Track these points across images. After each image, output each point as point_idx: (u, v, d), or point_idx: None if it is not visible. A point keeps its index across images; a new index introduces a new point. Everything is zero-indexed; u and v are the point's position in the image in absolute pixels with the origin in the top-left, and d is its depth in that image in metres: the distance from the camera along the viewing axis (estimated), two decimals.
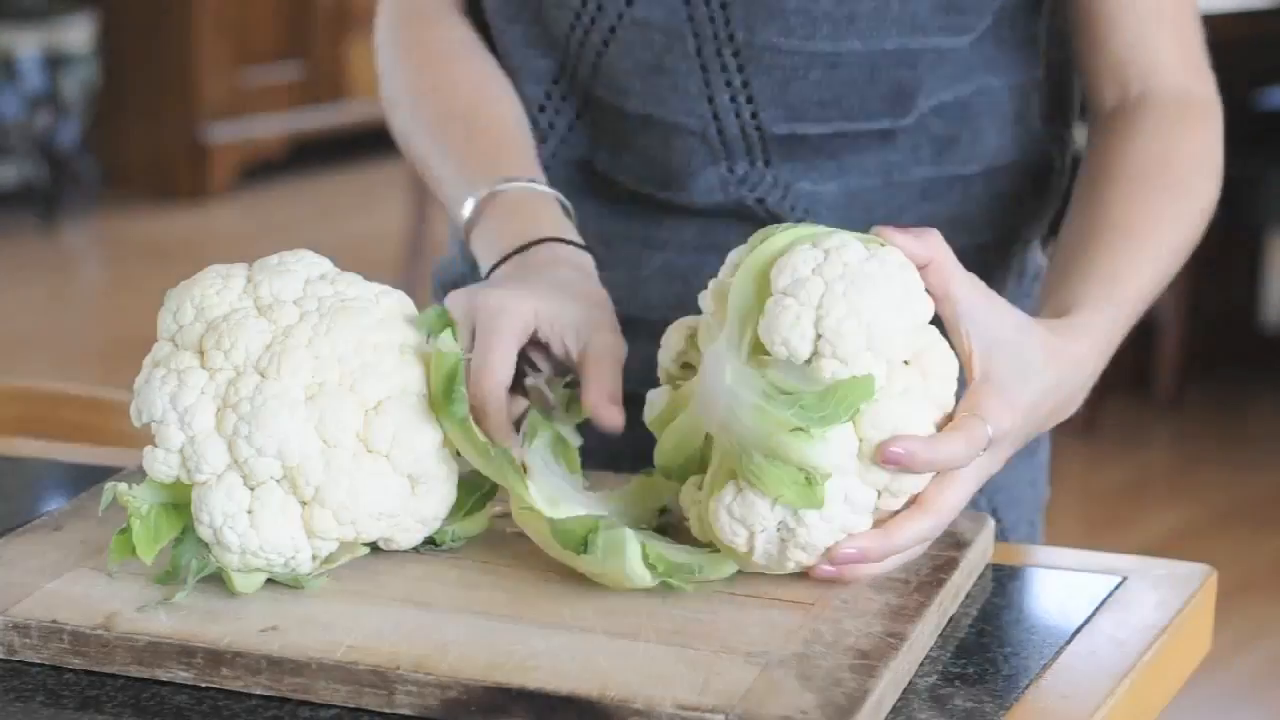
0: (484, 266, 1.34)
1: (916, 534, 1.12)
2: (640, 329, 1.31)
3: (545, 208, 1.36)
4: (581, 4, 1.39)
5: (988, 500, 1.48)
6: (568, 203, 1.38)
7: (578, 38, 1.40)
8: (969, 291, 1.15)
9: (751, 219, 1.39)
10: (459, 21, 1.47)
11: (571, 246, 1.33)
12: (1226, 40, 4.34)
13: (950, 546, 1.20)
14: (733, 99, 1.38)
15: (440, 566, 1.17)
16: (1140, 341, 4.56)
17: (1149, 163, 1.36)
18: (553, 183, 1.40)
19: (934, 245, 1.14)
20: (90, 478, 1.33)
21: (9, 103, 5.59)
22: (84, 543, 1.19)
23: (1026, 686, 1.08)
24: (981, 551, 1.23)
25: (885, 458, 1.09)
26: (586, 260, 1.33)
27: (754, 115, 1.38)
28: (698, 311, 1.18)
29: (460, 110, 1.41)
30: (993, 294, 1.17)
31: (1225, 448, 4.41)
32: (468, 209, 1.36)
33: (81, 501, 1.25)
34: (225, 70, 6.00)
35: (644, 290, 1.43)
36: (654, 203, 1.43)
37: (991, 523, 1.25)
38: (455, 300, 1.24)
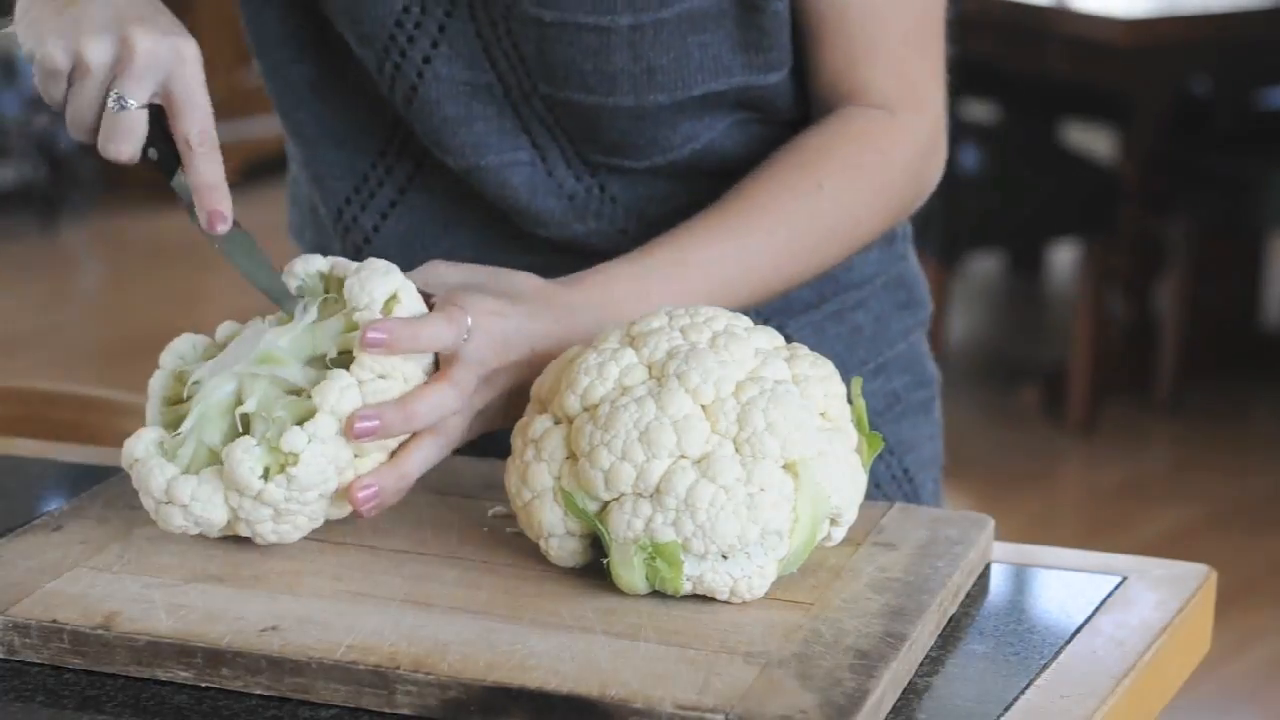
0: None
1: (424, 459, 1.18)
2: None
3: None
4: (381, 62, 1.35)
5: (899, 462, 1.50)
6: None
7: (390, 94, 1.37)
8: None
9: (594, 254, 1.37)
10: None
11: None
12: (1226, 40, 4.36)
13: (950, 546, 1.20)
14: (550, 134, 1.37)
15: (440, 566, 1.17)
16: (1140, 342, 4.57)
17: (796, 151, 1.35)
18: (391, 240, 1.43)
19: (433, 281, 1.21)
20: (90, 478, 1.33)
21: (9, 103, 5.59)
22: (84, 543, 1.19)
23: (1026, 686, 1.08)
24: (981, 551, 1.23)
25: (366, 341, 1.15)
26: None
27: (573, 146, 1.37)
28: None
29: None
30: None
31: (1224, 449, 4.41)
32: None
33: (81, 501, 1.25)
34: (225, 70, 6.01)
35: None
36: (504, 238, 1.42)
37: (991, 523, 1.25)
38: (101, 44, 1.20)
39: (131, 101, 1.20)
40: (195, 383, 1.19)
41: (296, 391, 1.17)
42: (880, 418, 1.48)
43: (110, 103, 1.20)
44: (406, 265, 1.24)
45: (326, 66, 1.41)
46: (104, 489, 1.27)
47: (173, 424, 1.19)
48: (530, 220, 1.39)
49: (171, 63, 1.20)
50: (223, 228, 1.22)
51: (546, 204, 1.38)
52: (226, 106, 6.95)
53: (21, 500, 1.37)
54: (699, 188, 1.38)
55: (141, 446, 1.17)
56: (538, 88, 1.35)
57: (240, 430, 1.17)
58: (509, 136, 1.37)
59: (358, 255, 1.42)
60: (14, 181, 5.74)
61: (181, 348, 1.23)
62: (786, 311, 1.44)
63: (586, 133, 1.36)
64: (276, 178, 7.13)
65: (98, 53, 1.20)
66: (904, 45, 1.38)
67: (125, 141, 1.22)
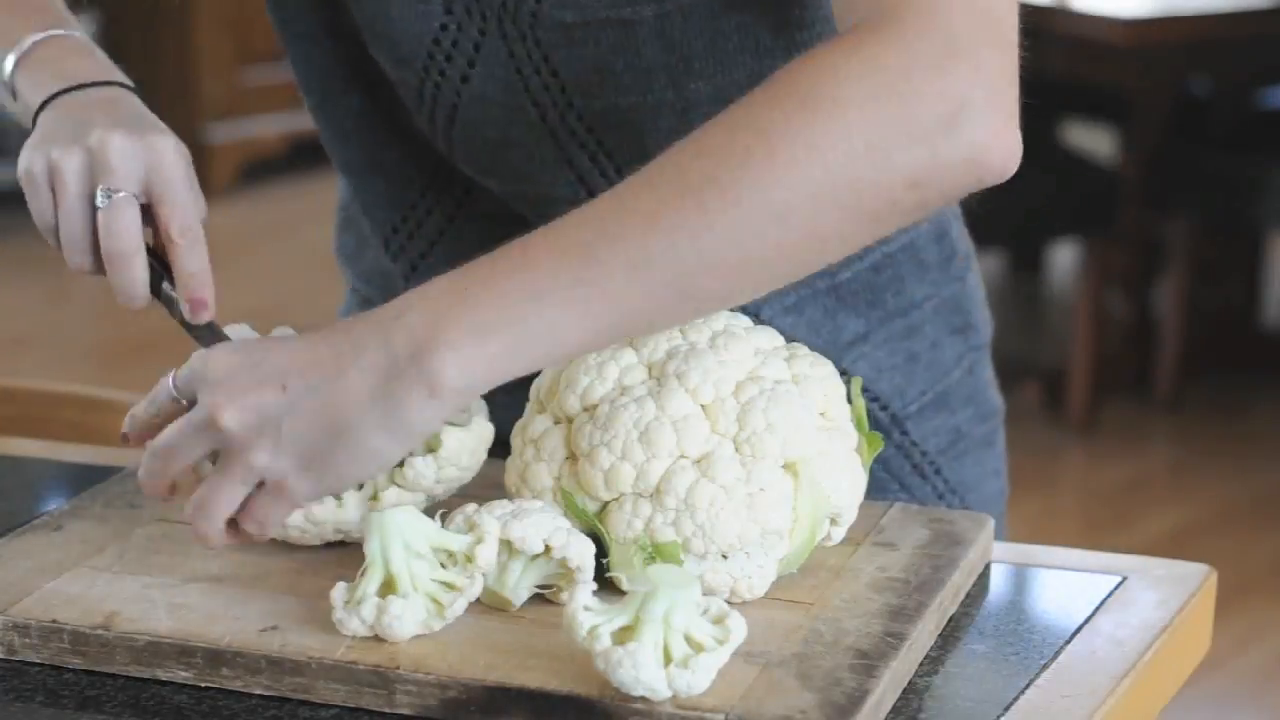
0: (31, 108, 1.26)
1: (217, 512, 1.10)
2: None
3: (89, 52, 1.28)
4: (421, 84, 1.32)
5: (960, 502, 1.46)
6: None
7: (427, 121, 1.34)
8: None
9: None
10: None
11: (125, 89, 1.26)
12: (1226, 40, 4.36)
13: (950, 546, 1.20)
14: (593, 159, 1.32)
15: None
16: (1140, 341, 4.56)
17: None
18: (441, 265, 1.35)
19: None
20: (90, 478, 1.33)
21: None
22: (84, 543, 1.19)
23: (1026, 686, 1.08)
24: (981, 551, 1.23)
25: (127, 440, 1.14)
26: (138, 102, 1.26)
27: (618, 171, 1.30)
28: None
29: None
30: None
31: (1225, 448, 4.41)
32: (8, 64, 1.27)
33: (81, 501, 1.25)
34: (225, 70, 6.00)
35: None
36: None
37: (991, 522, 1.25)
38: (68, 152, 1.19)
39: (119, 192, 1.19)
40: None
41: None
42: (942, 456, 1.44)
43: (99, 200, 1.19)
44: None
45: (372, 99, 1.39)
46: (104, 489, 1.27)
47: None
48: None
49: (149, 158, 1.20)
50: (205, 315, 1.20)
51: None
52: (227, 106, 6.92)
53: (21, 500, 1.37)
54: None
55: None
56: (573, 103, 1.29)
57: None
58: (549, 168, 1.32)
59: (411, 276, 1.41)
60: (14, 181, 5.73)
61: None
62: (836, 344, 1.37)
63: (630, 147, 1.30)
64: (276, 178, 7.05)
65: (71, 156, 1.19)
66: None
67: (124, 238, 1.18)
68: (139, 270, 1.19)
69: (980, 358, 1.48)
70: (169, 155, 1.20)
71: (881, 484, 1.40)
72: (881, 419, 1.41)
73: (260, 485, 1.09)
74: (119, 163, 1.19)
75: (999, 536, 1.44)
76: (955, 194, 1.10)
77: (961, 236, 1.47)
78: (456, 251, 1.37)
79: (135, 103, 1.25)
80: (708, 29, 1.25)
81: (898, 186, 1.07)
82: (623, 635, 1.01)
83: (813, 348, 1.22)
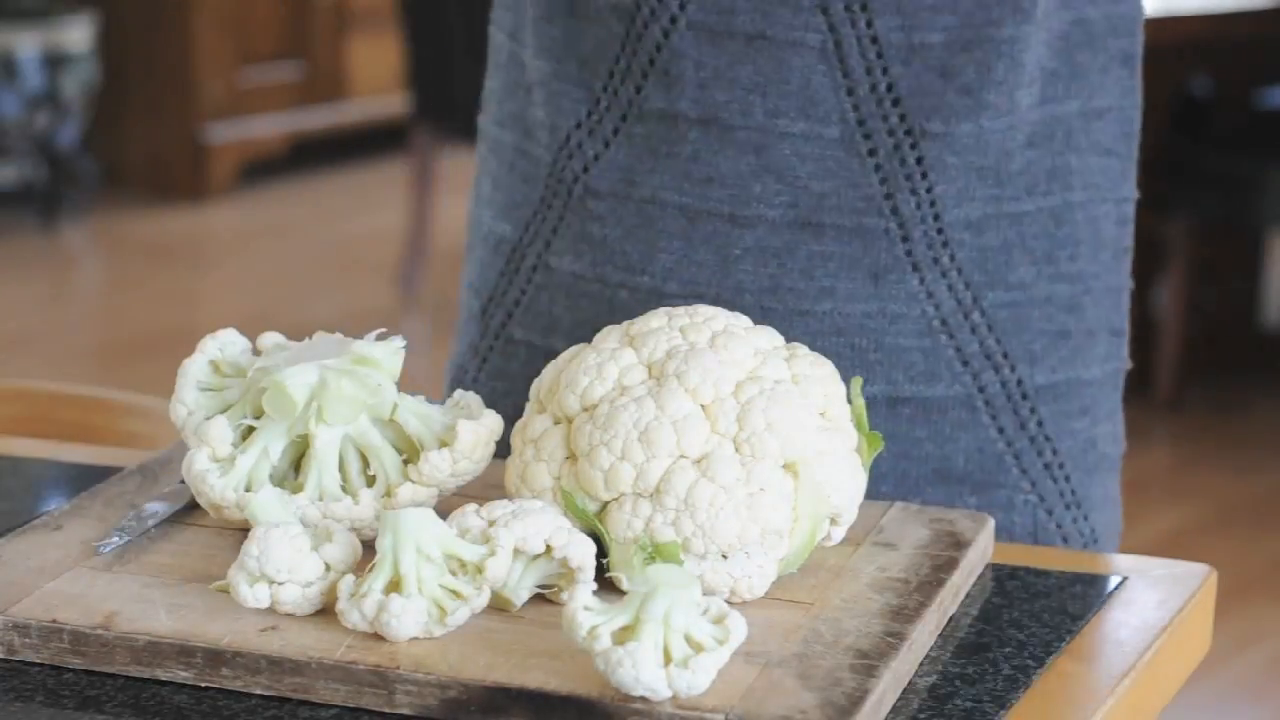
0: None
1: None
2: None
3: None
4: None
5: (1085, 519, 1.44)
6: None
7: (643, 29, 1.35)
8: None
9: (858, 187, 1.34)
10: None
11: None
12: (1226, 40, 4.36)
13: (950, 546, 1.20)
14: (847, 7, 1.32)
15: None
16: (1140, 341, 4.56)
17: None
18: (608, 170, 1.39)
19: None
20: (90, 478, 1.33)
21: (9, 102, 5.58)
22: (84, 543, 1.19)
23: (1026, 686, 1.08)
24: (981, 551, 1.23)
25: None
26: None
27: (869, 24, 1.32)
28: (792, 297, 1.24)
29: None
30: None
31: (1225, 448, 4.41)
32: None
33: (81, 501, 1.25)
34: (225, 70, 6.00)
35: (735, 272, 1.36)
36: (744, 173, 1.36)
37: (991, 522, 1.25)
38: None
39: None
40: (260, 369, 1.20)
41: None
42: (1073, 462, 1.42)
43: None
44: (618, 196, 1.33)
45: None
46: (104, 489, 1.27)
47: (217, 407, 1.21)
48: (795, 110, 1.35)
49: None
50: None
51: (825, 97, 1.34)
52: (227, 106, 6.93)
53: (21, 500, 1.37)
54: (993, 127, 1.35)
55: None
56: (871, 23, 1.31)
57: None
58: (801, 9, 1.32)
59: (574, 184, 1.40)
60: (14, 181, 5.74)
61: (226, 338, 1.23)
62: (1001, 282, 1.37)
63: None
64: (276, 178, 7.05)
65: None
66: None
67: None
68: None
69: (1119, 379, 1.46)
70: None
71: (1013, 482, 1.39)
72: (1010, 389, 1.39)
73: None
74: None
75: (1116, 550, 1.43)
76: None
77: (1131, 240, 1.46)
78: (625, 155, 1.38)
79: None
80: None
81: None
82: (623, 635, 1.01)
83: (974, 281, 1.31)
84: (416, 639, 1.07)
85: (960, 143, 1.33)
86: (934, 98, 1.32)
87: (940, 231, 1.35)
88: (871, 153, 1.33)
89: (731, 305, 1.33)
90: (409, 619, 1.06)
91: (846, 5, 1.32)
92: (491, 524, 1.10)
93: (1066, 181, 1.38)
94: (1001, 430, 1.39)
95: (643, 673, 0.99)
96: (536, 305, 1.43)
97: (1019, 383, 1.39)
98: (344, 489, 1.18)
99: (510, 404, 1.32)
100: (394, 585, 1.07)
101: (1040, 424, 1.40)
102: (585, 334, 1.29)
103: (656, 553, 1.10)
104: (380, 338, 1.21)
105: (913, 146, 1.33)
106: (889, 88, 1.33)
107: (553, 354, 1.31)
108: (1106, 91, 1.40)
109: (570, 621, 1.02)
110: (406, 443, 1.20)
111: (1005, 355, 1.38)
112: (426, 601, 1.07)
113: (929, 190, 1.33)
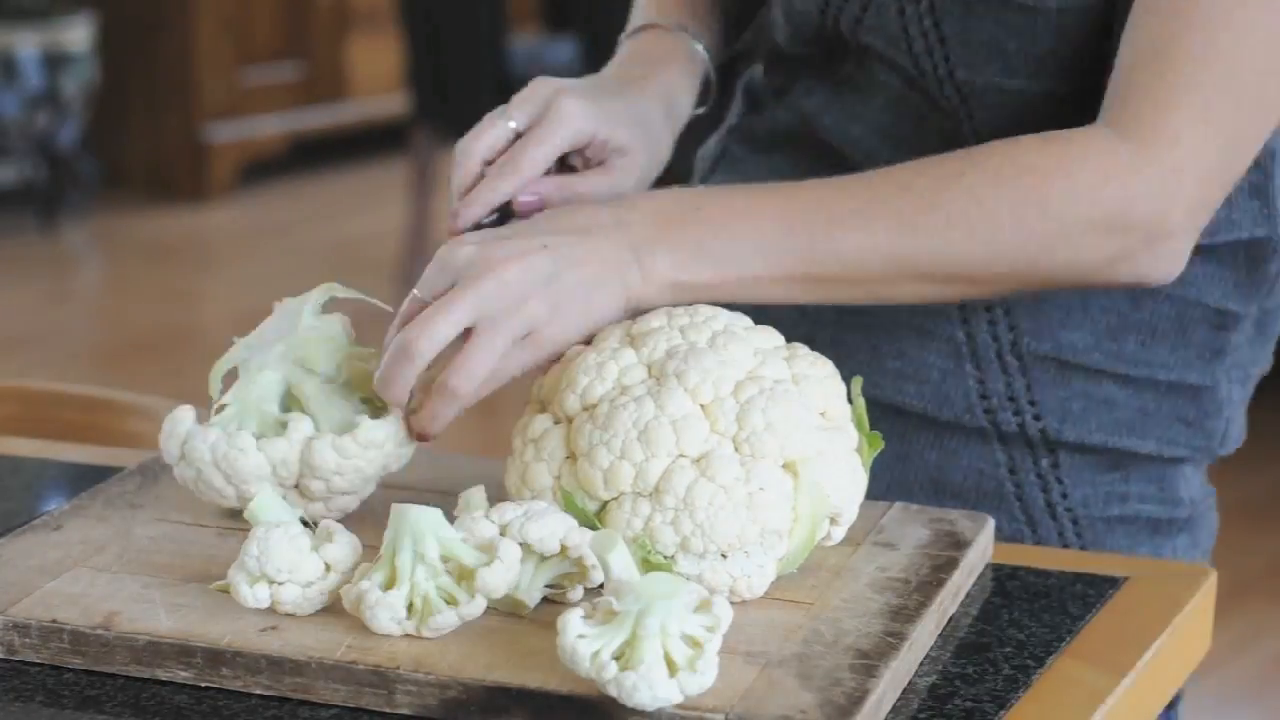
0: None
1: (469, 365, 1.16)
2: None
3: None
4: (821, 15, 1.37)
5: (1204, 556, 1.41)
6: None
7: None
8: None
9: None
10: None
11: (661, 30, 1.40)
12: None
13: (950, 546, 1.20)
14: (955, 129, 1.33)
15: None
16: None
17: (984, 150, 1.24)
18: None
19: None
20: (90, 478, 1.33)
21: (9, 102, 5.58)
22: (84, 543, 1.19)
23: (1026, 686, 1.08)
24: (981, 551, 1.23)
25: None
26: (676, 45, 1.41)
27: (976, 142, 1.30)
28: None
29: None
30: None
31: None
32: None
33: (81, 501, 1.25)
34: (225, 70, 6.00)
35: None
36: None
37: (991, 522, 1.25)
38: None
39: (510, 121, 1.29)
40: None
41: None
42: (1085, 510, 1.38)
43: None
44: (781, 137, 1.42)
45: None
46: (104, 489, 1.27)
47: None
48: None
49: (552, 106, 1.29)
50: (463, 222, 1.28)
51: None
52: (227, 106, 6.94)
53: (21, 500, 1.37)
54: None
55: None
56: (954, 73, 1.31)
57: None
58: (914, 126, 1.35)
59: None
60: (14, 181, 5.74)
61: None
62: (1054, 342, 1.35)
63: (996, 126, 1.31)
64: (276, 178, 7.08)
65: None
66: (1188, 65, 1.20)
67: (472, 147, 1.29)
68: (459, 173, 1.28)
69: (1202, 460, 1.43)
70: (567, 108, 1.28)
71: (1008, 509, 1.37)
72: (1031, 435, 1.37)
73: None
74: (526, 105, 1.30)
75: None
76: (1103, 285, 1.25)
77: (1242, 337, 1.41)
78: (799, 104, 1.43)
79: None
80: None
81: (1078, 271, 1.23)
82: (623, 652, 1.01)
83: (1020, 326, 1.34)
84: (416, 639, 1.07)
85: None
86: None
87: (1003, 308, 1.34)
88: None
89: None
90: (384, 615, 1.06)
91: (955, 126, 1.34)
92: (504, 529, 1.09)
93: None
94: (1013, 470, 1.37)
95: (658, 690, 0.99)
96: None
97: (1042, 431, 1.36)
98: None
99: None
100: (390, 579, 1.08)
101: (1055, 467, 1.37)
102: None
103: (644, 565, 1.10)
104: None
105: None
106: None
107: None
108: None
109: (571, 655, 1.01)
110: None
111: (1032, 403, 1.36)
112: (405, 599, 1.07)
113: None
